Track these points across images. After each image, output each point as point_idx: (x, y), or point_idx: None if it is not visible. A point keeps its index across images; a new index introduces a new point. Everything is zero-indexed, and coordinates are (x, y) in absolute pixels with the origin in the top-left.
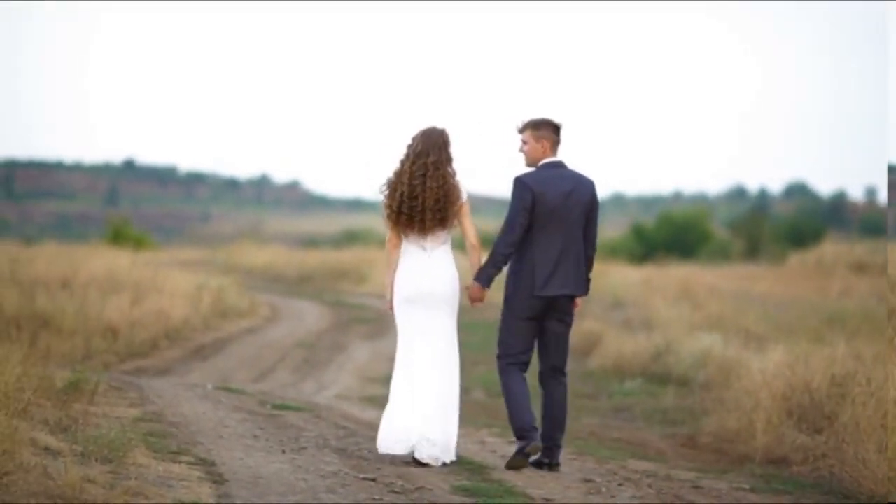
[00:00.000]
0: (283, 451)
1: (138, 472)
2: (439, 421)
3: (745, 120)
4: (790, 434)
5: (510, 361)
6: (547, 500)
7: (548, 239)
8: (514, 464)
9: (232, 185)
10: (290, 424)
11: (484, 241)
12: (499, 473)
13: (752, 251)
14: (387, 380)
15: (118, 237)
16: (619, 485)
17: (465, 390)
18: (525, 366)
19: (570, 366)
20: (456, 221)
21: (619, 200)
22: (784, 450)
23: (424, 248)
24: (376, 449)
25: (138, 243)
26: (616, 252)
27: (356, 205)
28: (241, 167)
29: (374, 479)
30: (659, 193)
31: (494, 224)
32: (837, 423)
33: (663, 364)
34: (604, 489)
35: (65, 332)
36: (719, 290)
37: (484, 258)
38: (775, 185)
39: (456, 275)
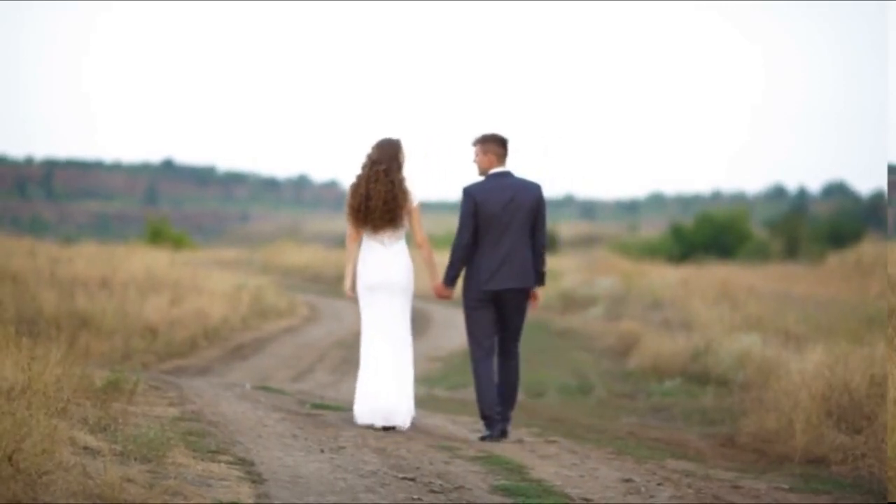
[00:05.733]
0: (322, 451)
1: (177, 471)
2: (402, 394)
3: (784, 119)
4: (829, 434)
5: (476, 347)
6: (586, 499)
7: (492, 240)
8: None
9: (271, 184)
10: (328, 424)
11: None
12: (538, 473)
13: (791, 251)
14: (425, 380)
15: (157, 237)
16: (658, 484)
17: None
18: (490, 349)
19: (608, 366)
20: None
21: (657, 200)
22: (823, 450)
23: (383, 243)
24: (415, 440)
25: (177, 243)
26: (655, 252)
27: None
28: (279, 167)
29: (413, 479)
30: (698, 193)
31: None
32: (877, 423)
33: (702, 364)
34: (643, 489)
35: (104, 332)
36: (758, 290)
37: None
38: (814, 185)
39: (410, 266)
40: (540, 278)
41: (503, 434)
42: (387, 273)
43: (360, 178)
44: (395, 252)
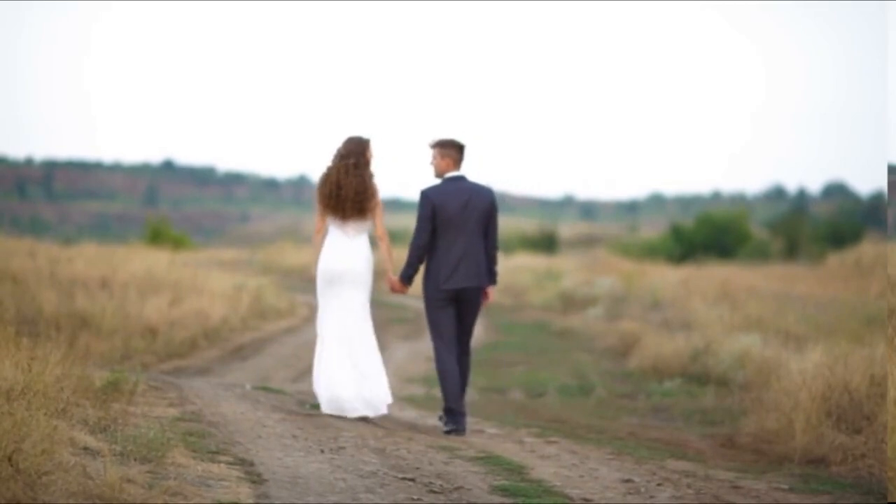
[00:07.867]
0: (322, 451)
1: (177, 471)
2: (369, 381)
3: (784, 119)
4: (829, 434)
5: (439, 343)
6: (586, 500)
7: (449, 242)
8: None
9: (271, 185)
10: (328, 424)
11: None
12: (537, 473)
13: (791, 251)
14: (425, 380)
15: (157, 237)
16: (658, 485)
17: (503, 390)
18: (452, 344)
19: (609, 366)
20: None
21: (657, 200)
22: (823, 450)
23: (347, 234)
24: (420, 444)
25: (177, 243)
26: (655, 252)
27: (394, 204)
28: (279, 167)
29: (412, 479)
30: (698, 193)
31: (534, 223)
32: (877, 423)
33: (702, 364)
34: (643, 489)
35: (104, 332)
36: (758, 290)
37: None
38: (814, 185)
39: (371, 258)
40: (492, 277)
41: (463, 430)
42: (350, 263)
43: (330, 169)
44: (359, 243)
